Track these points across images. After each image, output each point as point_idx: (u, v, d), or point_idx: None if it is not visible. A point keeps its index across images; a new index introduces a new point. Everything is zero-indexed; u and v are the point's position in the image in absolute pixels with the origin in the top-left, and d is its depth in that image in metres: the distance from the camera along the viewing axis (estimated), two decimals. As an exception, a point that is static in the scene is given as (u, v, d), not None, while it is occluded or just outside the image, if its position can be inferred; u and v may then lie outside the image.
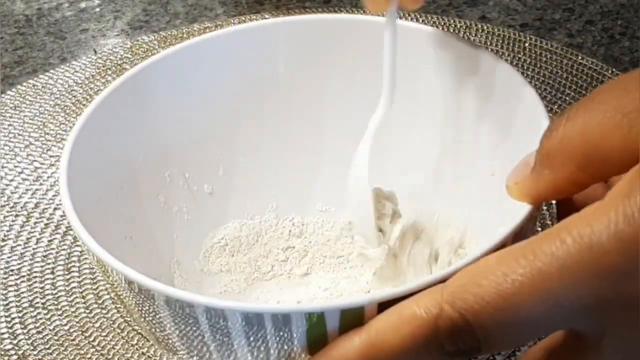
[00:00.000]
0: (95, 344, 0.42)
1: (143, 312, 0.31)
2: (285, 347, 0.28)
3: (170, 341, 0.31)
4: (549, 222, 0.47)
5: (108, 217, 0.37)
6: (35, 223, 0.50)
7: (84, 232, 0.31)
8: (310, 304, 0.27)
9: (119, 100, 0.38)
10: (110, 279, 0.31)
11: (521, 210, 0.30)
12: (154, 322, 0.30)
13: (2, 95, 0.61)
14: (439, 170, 0.43)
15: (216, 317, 0.28)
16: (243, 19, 0.67)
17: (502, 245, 0.29)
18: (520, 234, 0.30)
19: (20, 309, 0.45)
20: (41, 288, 0.46)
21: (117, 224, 0.38)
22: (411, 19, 0.65)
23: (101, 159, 0.37)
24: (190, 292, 0.28)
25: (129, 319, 0.44)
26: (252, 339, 0.28)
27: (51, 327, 0.43)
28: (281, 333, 0.28)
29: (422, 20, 0.65)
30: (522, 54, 0.60)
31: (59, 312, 0.44)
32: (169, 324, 0.30)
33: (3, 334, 0.43)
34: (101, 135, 0.37)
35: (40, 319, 0.44)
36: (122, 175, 0.39)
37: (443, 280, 0.26)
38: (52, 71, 0.63)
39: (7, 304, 0.45)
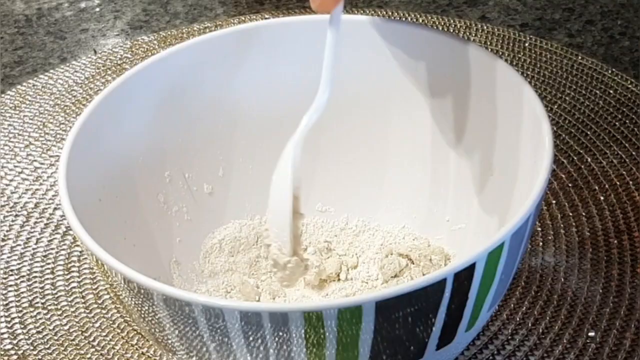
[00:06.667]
0: (95, 344, 0.42)
1: (142, 312, 0.31)
2: (284, 346, 0.28)
3: (169, 341, 0.31)
4: (548, 222, 0.47)
5: (107, 218, 0.37)
6: (35, 223, 0.50)
7: (82, 231, 0.31)
8: (309, 303, 0.27)
9: (118, 101, 0.38)
10: (109, 279, 0.31)
11: (520, 209, 0.30)
12: (153, 322, 0.30)
13: (2, 95, 0.61)
14: (438, 169, 0.43)
15: (215, 316, 0.28)
16: (243, 18, 0.67)
17: (501, 245, 0.30)
18: (519, 233, 0.30)
19: (20, 309, 0.45)
20: (41, 288, 0.46)
21: (116, 224, 0.38)
22: (410, 19, 0.65)
23: (100, 159, 0.37)
24: (189, 292, 0.28)
25: (128, 319, 0.44)
26: (250, 338, 0.28)
27: (51, 327, 0.43)
28: (280, 332, 0.28)
29: (422, 21, 0.65)
30: (522, 54, 0.60)
31: (59, 312, 0.44)
32: (168, 323, 0.30)
33: (3, 334, 0.43)
34: (100, 136, 0.37)
35: (40, 319, 0.44)
36: (122, 175, 0.39)
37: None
38: (52, 71, 0.63)
39: (7, 304, 0.45)
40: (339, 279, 0.43)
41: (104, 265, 0.30)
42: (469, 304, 0.30)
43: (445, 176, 0.42)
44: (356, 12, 0.67)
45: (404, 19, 0.65)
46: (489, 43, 0.62)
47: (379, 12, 0.65)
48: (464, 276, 0.29)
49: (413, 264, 0.42)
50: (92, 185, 0.36)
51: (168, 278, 0.41)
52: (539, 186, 0.31)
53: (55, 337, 0.43)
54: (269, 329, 0.28)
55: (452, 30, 0.63)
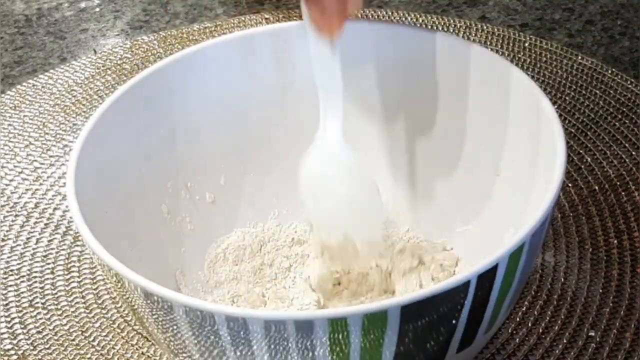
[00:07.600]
0: (95, 344, 0.42)
1: (159, 323, 0.30)
2: (308, 354, 0.28)
3: (187, 351, 0.31)
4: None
5: (115, 230, 0.36)
6: (35, 223, 0.50)
7: (97, 245, 0.31)
8: (334, 310, 0.27)
9: (121, 111, 0.38)
10: (122, 289, 0.31)
11: (538, 210, 0.30)
12: (170, 332, 0.30)
13: (2, 95, 0.61)
14: (444, 172, 0.43)
15: (237, 325, 0.28)
16: (243, 19, 0.67)
17: (521, 246, 0.29)
18: (538, 233, 0.30)
19: (20, 309, 0.45)
20: (41, 288, 0.46)
21: (123, 236, 0.37)
22: (410, 19, 0.65)
23: (106, 171, 0.37)
24: (210, 303, 0.28)
25: (129, 319, 0.44)
26: (273, 346, 0.28)
27: (51, 327, 0.43)
28: (303, 339, 0.27)
29: (422, 20, 0.65)
30: (522, 54, 0.60)
31: (59, 312, 0.44)
32: (187, 334, 0.29)
33: (3, 334, 0.43)
34: (103, 148, 0.37)
35: (40, 319, 0.44)
36: (125, 187, 0.39)
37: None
38: (52, 71, 0.63)
39: (7, 304, 0.45)
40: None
41: (122, 279, 0.30)
42: (489, 305, 0.30)
43: (452, 178, 0.42)
44: (356, 12, 0.67)
45: (403, 19, 0.65)
46: (489, 43, 0.62)
47: (379, 12, 0.65)
48: (486, 277, 0.29)
49: (424, 265, 0.41)
50: (98, 198, 0.36)
51: (175, 289, 0.41)
52: (554, 186, 0.31)
53: (55, 337, 0.43)
54: (293, 336, 0.27)
55: (452, 31, 0.63)
